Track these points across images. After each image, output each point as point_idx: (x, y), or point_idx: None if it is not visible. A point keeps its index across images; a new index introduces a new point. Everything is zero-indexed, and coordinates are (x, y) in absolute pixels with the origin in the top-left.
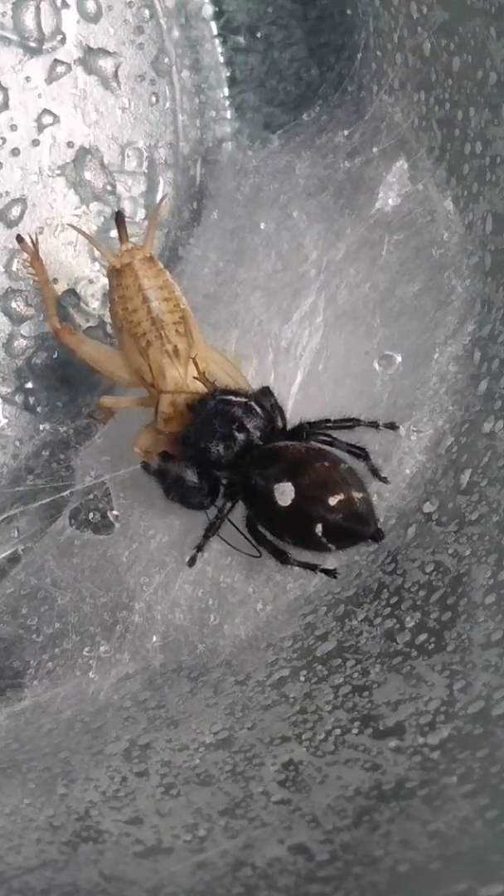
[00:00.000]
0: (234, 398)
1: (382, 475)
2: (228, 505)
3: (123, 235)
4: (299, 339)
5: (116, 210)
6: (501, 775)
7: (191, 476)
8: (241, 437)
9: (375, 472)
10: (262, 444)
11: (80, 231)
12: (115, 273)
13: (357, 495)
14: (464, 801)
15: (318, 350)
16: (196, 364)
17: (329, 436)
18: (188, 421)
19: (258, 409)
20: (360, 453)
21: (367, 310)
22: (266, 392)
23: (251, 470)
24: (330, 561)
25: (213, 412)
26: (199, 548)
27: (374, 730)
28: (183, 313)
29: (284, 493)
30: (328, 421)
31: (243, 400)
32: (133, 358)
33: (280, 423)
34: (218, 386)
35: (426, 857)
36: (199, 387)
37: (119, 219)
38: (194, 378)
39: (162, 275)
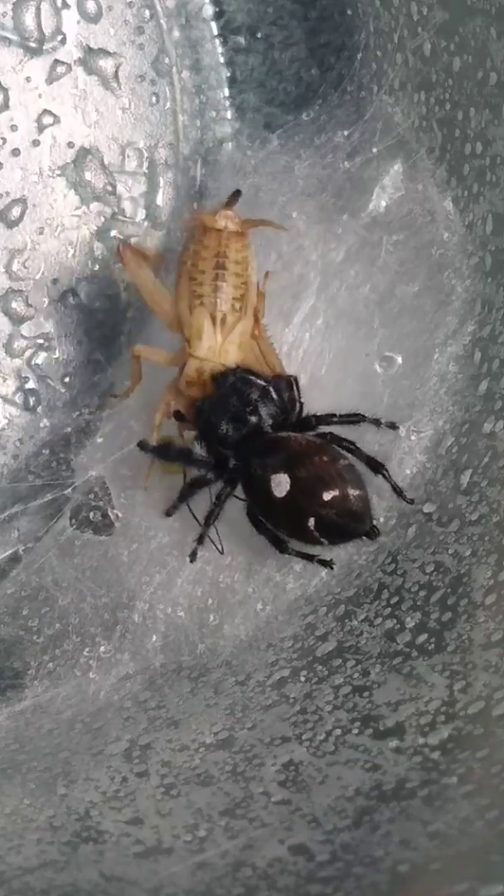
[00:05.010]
0: (253, 378)
1: (409, 498)
2: (227, 491)
3: (231, 205)
4: (300, 342)
5: (236, 189)
6: (502, 775)
7: (198, 450)
8: (251, 419)
9: (400, 493)
10: (270, 431)
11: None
12: (203, 230)
13: (353, 492)
14: (464, 802)
15: (319, 353)
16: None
17: (353, 444)
18: (208, 392)
19: (274, 396)
20: (379, 469)
21: (368, 311)
22: (288, 382)
23: (252, 456)
24: (328, 554)
25: (230, 389)
26: (199, 540)
27: (375, 730)
28: (245, 291)
29: (280, 485)
30: (334, 415)
31: (262, 383)
32: (181, 306)
33: (294, 416)
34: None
35: (426, 857)
36: (228, 360)
37: (235, 193)
38: None
39: (244, 250)
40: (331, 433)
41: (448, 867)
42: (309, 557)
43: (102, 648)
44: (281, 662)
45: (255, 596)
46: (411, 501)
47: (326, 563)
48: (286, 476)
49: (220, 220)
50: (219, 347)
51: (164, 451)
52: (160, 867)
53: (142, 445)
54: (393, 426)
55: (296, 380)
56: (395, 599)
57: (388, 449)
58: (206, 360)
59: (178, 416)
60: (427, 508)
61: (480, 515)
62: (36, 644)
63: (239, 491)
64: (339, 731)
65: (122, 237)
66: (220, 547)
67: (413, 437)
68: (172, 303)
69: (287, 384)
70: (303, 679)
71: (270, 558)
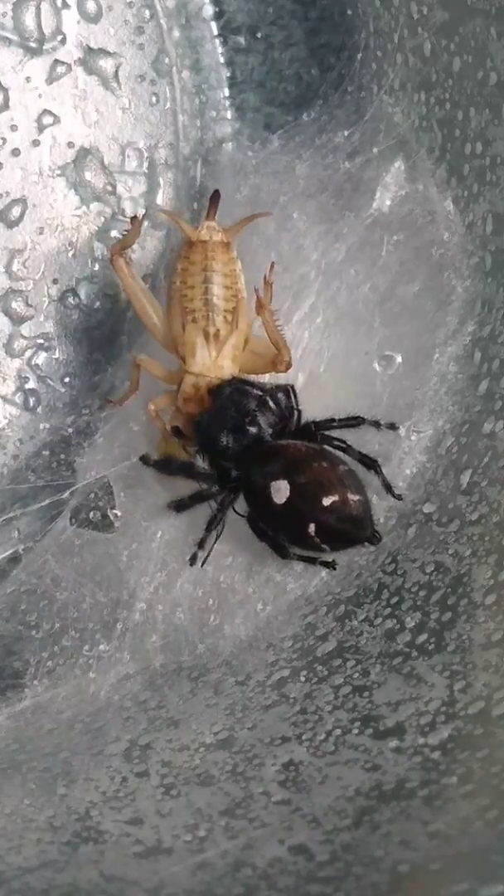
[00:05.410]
0: (249, 388)
1: (397, 493)
2: (230, 498)
3: (212, 213)
4: (300, 340)
5: (214, 191)
6: (501, 775)
7: (200, 463)
8: (249, 429)
9: (389, 488)
10: (269, 440)
11: (167, 213)
12: (187, 245)
13: (353, 497)
14: (464, 802)
15: (318, 352)
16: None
17: (344, 442)
18: (206, 407)
19: (271, 404)
20: (371, 465)
21: (367, 310)
22: (285, 390)
23: (252, 465)
24: (330, 556)
25: (227, 400)
26: (201, 544)
27: (375, 730)
28: (237, 304)
29: (280, 491)
30: (333, 420)
31: (258, 392)
32: (174, 326)
33: (293, 424)
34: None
35: (426, 857)
36: (223, 373)
37: (214, 197)
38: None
39: (231, 263)
40: (321, 433)
41: (448, 867)
42: (311, 560)
43: (102, 647)
44: (281, 662)
45: (256, 596)
46: (399, 497)
47: (329, 564)
48: (285, 482)
49: (204, 232)
50: (213, 363)
51: (166, 466)
52: (160, 867)
53: (144, 460)
54: (393, 427)
55: (293, 388)
56: (395, 599)
57: (388, 449)
58: (201, 375)
59: (176, 432)
60: (427, 508)
61: (480, 515)
62: (35, 640)
63: (239, 504)
64: (339, 731)
65: (121, 237)
66: (207, 552)
67: (413, 437)
68: (163, 315)
69: (284, 392)
70: (303, 679)
71: (271, 559)
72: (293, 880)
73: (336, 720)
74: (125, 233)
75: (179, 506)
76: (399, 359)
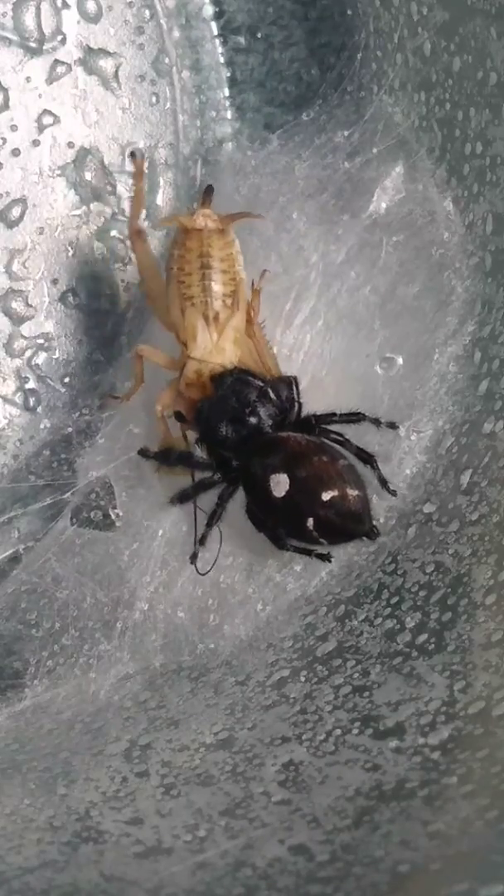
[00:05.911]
0: (250, 379)
1: (392, 488)
2: (229, 490)
3: (207, 202)
4: (301, 344)
5: (207, 184)
6: (502, 775)
7: (199, 453)
8: (249, 420)
9: (384, 483)
10: (269, 431)
11: (163, 221)
12: (183, 232)
13: (352, 492)
14: (464, 802)
15: (320, 355)
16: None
17: (341, 436)
18: (208, 392)
19: (272, 396)
20: (368, 460)
21: (368, 312)
22: (287, 382)
23: (251, 457)
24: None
25: (229, 390)
26: (201, 541)
27: (375, 730)
28: (236, 287)
29: (279, 485)
30: (334, 414)
31: (260, 384)
32: (174, 310)
33: (293, 416)
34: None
35: (426, 857)
36: (225, 359)
37: (208, 189)
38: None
39: (228, 247)
40: (319, 427)
41: (448, 867)
42: (307, 552)
43: (102, 647)
44: (281, 662)
45: (256, 596)
46: (394, 493)
47: (324, 557)
48: (285, 476)
49: (199, 220)
50: (214, 346)
51: (165, 457)
52: (160, 867)
53: (143, 453)
54: (393, 426)
55: (295, 380)
56: (395, 599)
57: (388, 449)
58: (203, 360)
59: (179, 416)
60: (427, 508)
61: (480, 515)
62: (35, 639)
63: (236, 502)
64: (339, 731)
65: (121, 237)
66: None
67: (413, 437)
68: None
69: (286, 384)
70: (303, 679)
71: (271, 559)
72: (293, 880)
73: (336, 720)
74: (137, 207)
75: (182, 497)
76: (400, 360)
